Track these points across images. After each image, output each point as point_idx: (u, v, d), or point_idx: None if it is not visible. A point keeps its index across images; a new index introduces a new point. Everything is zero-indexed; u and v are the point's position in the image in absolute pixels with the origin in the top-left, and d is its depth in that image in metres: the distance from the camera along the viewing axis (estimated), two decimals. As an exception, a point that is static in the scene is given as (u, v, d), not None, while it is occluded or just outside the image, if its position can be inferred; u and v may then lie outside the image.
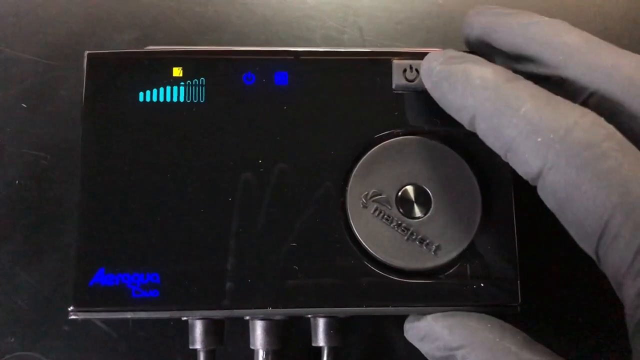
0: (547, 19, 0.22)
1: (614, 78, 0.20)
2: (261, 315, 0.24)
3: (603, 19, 0.31)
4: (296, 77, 0.24)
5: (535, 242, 0.26)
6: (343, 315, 0.24)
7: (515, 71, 0.21)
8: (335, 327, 0.24)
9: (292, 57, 0.24)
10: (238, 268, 0.23)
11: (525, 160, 0.19)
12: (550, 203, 0.19)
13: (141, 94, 0.24)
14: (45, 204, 0.28)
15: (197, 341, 0.24)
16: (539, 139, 0.19)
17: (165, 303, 0.22)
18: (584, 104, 0.21)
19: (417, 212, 0.23)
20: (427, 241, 0.23)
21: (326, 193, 0.23)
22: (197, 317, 0.24)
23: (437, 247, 0.23)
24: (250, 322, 0.25)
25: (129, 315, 0.22)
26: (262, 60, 0.24)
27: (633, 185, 0.18)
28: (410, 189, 0.23)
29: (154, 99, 0.24)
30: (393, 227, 0.23)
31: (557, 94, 0.20)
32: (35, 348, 0.27)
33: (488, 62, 0.21)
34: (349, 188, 0.23)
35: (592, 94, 0.21)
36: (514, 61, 0.23)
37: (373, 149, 0.24)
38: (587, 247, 0.19)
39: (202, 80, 0.24)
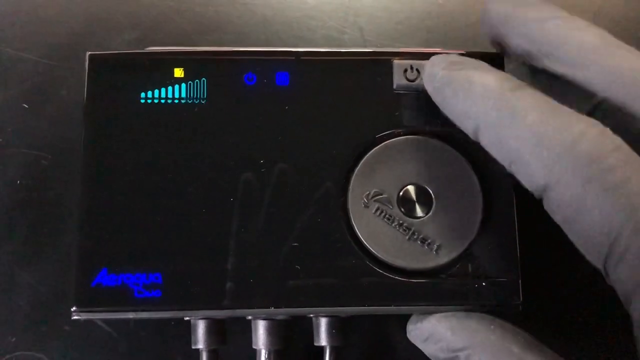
0: (565, 14, 0.21)
1: (627, 81, 0.19)
2: (263, 315, 0.24)
3: (603, 19, 0.31)
4: (297, 78, 0.24)
5: (536, 242, 0.26)
6: (345, 315, 0.24)
7: (528, 65, 0.21)
8: (337, 327, 0.24)
9: (293, 58, 0.24)
10: (240, 268, 0.23)
11: (530, 173, 0.19)
12: (556, 217, 0.19)
13: (143, 95, 0.24)
14: (45, 204, 0.28)
15: (200, 341, 0.24)
16: (545, 152, 0.18)
17: (168, 303, 0.22)
18: (595, 107, 0.20)
19: (419, 211, 0.23)
20: (429, 241, 0.23)
21: (327, 193, 0.23)
22: (200, 317, 0.24)
23: (439, 247, 0.23)
24: (252, 322, 0.25)
25: (131, 315, 0.22)
26: (263, 60, 0.24)
27: None
28: (411, 188, 0.23)
29: (156, 100, 0.24)
30: (394, 227, 0.23)
31: (568, 93, 0.19)
32: (35, 348, 0.27)
33: (492, 69, 0.21)
34: (350, 188, 0.23)
35: (603, 97, 0.20)
36: (528, 55, 0.22)
37: (374, 149, 0.24)
38: (595, 261, 0.18)
39: (203, 80, 0.24)
